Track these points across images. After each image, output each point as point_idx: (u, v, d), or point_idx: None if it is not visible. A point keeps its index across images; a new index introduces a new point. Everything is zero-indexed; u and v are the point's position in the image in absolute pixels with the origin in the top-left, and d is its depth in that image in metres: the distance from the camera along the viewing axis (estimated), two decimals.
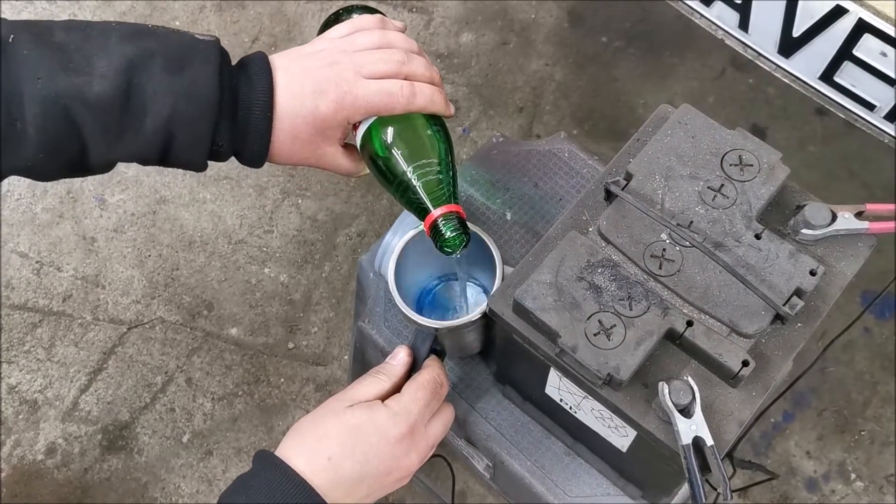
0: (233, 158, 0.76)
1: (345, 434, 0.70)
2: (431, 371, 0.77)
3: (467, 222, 0.77)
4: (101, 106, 0.66)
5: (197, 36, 0.72)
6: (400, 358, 0.78)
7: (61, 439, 1.48)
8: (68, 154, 0.68)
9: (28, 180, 1.69)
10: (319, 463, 0.69)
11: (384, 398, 0.75)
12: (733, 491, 1.16)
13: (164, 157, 0.71)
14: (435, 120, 0.78)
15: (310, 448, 0.70)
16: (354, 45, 0.76)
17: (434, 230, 0.75)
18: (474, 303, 0.93)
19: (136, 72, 0.67)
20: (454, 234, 0.74)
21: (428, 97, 0.76)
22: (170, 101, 0.68)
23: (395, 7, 1.87)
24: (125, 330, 1.57)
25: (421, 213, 0.75)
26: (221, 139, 0.72)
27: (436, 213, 0.74)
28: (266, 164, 0.77)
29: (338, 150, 0.78)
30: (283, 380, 1.54)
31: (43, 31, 0.67)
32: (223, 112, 0.71)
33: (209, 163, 0.75)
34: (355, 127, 0.78)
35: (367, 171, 0.80)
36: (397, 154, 0.75)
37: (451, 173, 0.76)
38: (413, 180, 0.74)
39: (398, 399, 0.73)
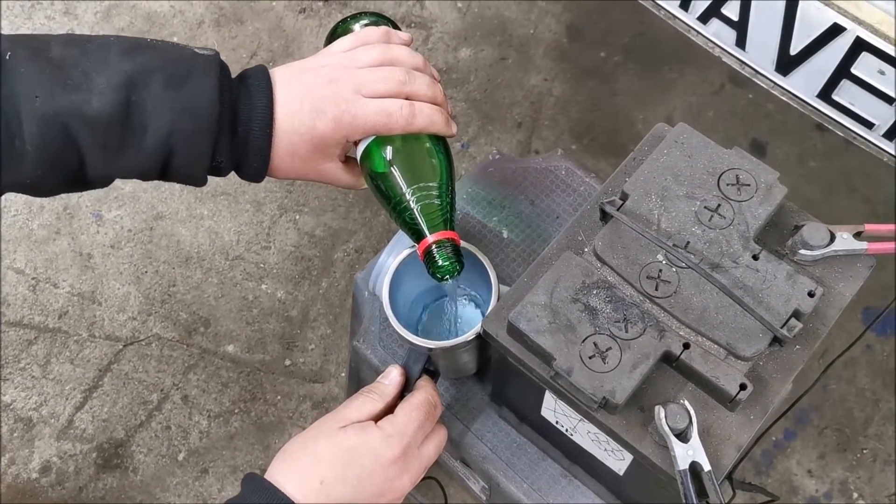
0: (232, 173, 0.75)
1: (337, 457, 0.69)
2: (425, 392, 0.76)
3: (462, 244, 0.76)
4: (101, 123, 0.66)
5: (197, 50, 0.72)
6: (392, 377, 0.77)
7: (56, 457, 1.47)
8: (67, 170, 0.68)
9: (25, 196, 1.68)
10: (311, 487, 0.67)
11: (376, 418, 0.74)
12: None
13: (164, 172, 0.71)
14: (437, 139, 0.77)
15: (301, 471, 0.68)
16: (356, 62, 0.76)
17: (427, 256, 0.74)
18: (469, 323, 0.92)
19: (136, 88, 0.67)
20: (447, 262, 0.73)
21: (428, 118, 0.75)
22: (169, 116, 0.67)
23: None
24: (121, 347, 1.56)
25: (416, 235, 0.74)
26: (221, 155, 0.71)
27: (430, 238, 0.73)
28: (265, 180, 0.76)
29: (338, 165, 0.77)
30: (279, 397, 1.53)
31: (41, 46, 0.67)
32: (223, 128, 0.70)
33: (209, 178, 0.75)
34: (357, 142, 0.77)
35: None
36: (396, 174, 0.74)
37: (449, 197, 0.75)
38: (411, 202, 0.73)
39: (392, 420, 0.72)
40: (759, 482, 1.41)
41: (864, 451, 1.47)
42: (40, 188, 0.69)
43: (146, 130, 0.67)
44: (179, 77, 0.69)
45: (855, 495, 1.45)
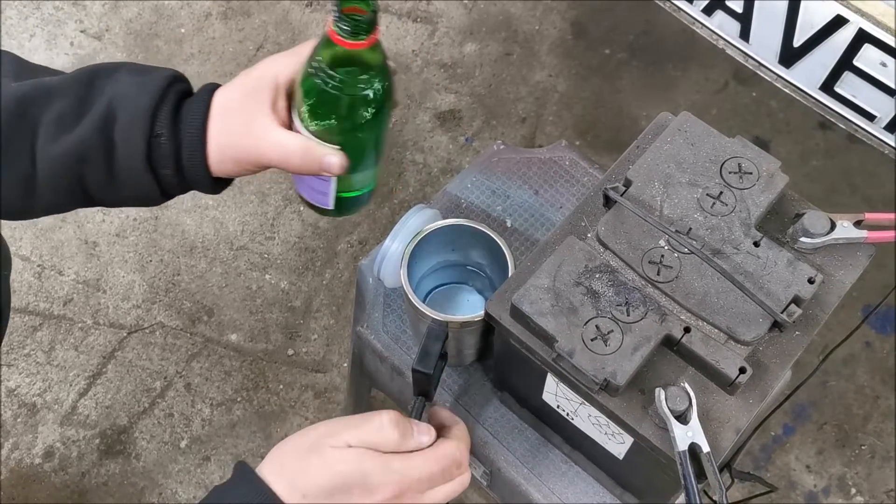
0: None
1: (326, 479, 0.64)
2: (454, 446, 0.70)
3: (478, 226, 0.77)
4: (59, 93, 0.70)
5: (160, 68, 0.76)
6: (420, 440, 0.69)
7: (59, 443, 1.48)
8: (24, 148, 0.70)
9: None
10: (293, 497, 0.64)
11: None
12: None
13: (107, 146, 0.71)
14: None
15: (288, 479, 0.65)
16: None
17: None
18: (472, 307, 0.93)
19: (98, 75, 0.72)
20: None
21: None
22: (120, 88, 0.71)
23: (401, 17, 1.88)
24: (125, 334, 1.57)
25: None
26: (162, 126, 0.71)
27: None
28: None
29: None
30: (282, 386, 1.54)
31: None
32: (166, 98, 0.72)
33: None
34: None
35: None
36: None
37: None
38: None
39: (402, 457, 0.66)
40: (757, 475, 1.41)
41: (863, 448, 1.48)
42: None
43: (97, 100, 0.71)
44: (140, 70, 0.73)
45: (853, 491, 1.45)
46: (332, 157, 0.71)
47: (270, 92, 0.71)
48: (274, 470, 0.65)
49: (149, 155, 0.71)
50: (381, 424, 0.66)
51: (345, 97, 0.69)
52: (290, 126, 0.72)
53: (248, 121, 0.71)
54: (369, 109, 0.70)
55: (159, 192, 0.74)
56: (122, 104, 0.70)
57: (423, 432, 0.69)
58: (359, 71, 0.68)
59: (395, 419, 0.67)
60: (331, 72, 0.68)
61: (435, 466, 0.68)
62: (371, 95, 0.69)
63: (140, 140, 0.71)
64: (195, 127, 0.71)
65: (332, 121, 0.70)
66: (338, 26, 0.65)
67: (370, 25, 0.66)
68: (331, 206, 0.78)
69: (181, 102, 0.73)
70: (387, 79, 0.71)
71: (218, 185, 0.76)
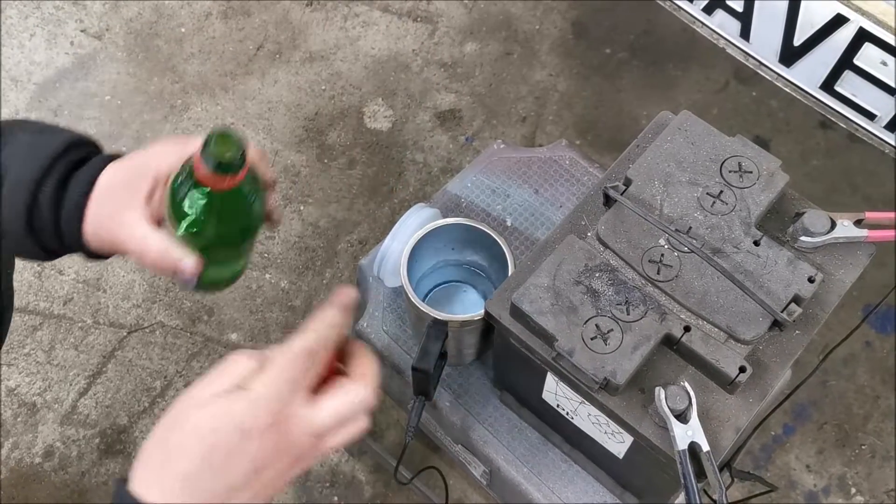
0: None
1: (195, 443, 0.55)
2: (311, 335, 0.59)
3: (478, 226, 0.77)
4: None
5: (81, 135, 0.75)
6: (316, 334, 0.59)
7: (59, 442, 1.48)
8: None
9: None
10: (173, 490, 0.55)
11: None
12: (731, 503, 1.15)
13: None
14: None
15: (158, 474, 0.56)
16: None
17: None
18: (472, 306, 0.93)
19: (2, 131, 0.72)
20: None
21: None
22: (14, 147, 0.71)
23: (401, 17, 1.88)
24: (125, 334, 1.57)
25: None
26: (44, 196, 0.71)
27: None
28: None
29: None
30: None
31: None
32: (53, 170, 0.71)
33: None
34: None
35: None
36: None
37: None
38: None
39: (260, 377, 0.57)
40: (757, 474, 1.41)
41: (863, 447, 1.48)
42: None
43: None
44: (41, 130, 0.73)
45: (853, 491, 1.45)
46: (187, 263, 0.70)
47: (149, 182, 0.71)
48: (144, 474, 0.56)
49: (29, 221, 0.71)
50: (233, 359, 0.58)
51: (208, 218, 0.67)
52: (161, 220, 0.72)
53: (119, 210, 0.71)
54: (231, 227, 0.69)
55: (44, 254, 0.74)
56: (12, 166, 0.70)
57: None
58: (222, 197, 0.66)
59: (244, 352, 0.59)
60: (195, 191, 0.65)
61: (298, 363, 0.57)
62: (233, 216, 0.68)
63: (21, 207, 0.71)
64: (75, 203, 0.71)
65: (194, 230, 0.68)
66: (204, 161, 0.62)
67: (236, 169, 0.63)
68: (194, 288, 0.76)
69: (72, 172, 0.72)
70: (254, 198, 0.69)
71: (100, 256, 0.76)
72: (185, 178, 0.66)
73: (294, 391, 0.57)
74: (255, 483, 0.56)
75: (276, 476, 0.57)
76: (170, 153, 0.72)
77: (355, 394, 0.59)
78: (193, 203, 0.66)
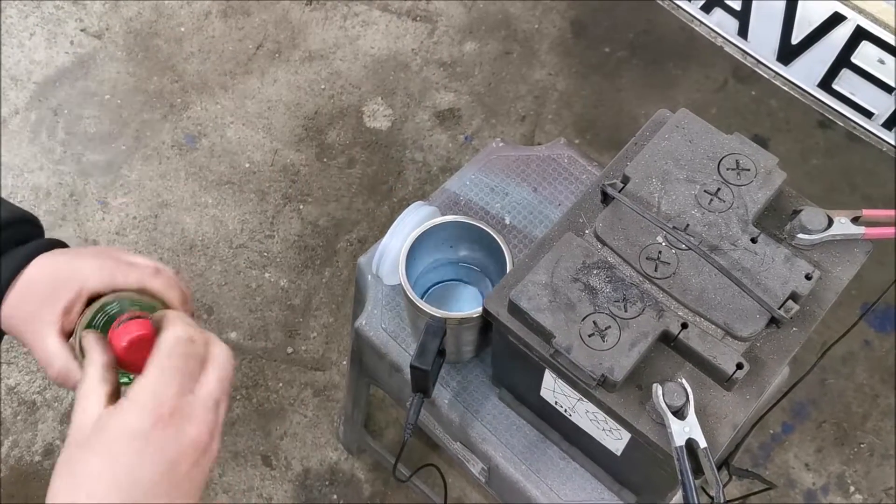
0: None
1: (96, 468, 0.56)
2: (177, 329, 0.60)
3: (476, 223, 0.77)
4: None
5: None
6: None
7: (59, 440, 1.48)
8: None
9: (32, 182, 1.69)
10: None
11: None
12: (730, 501, 1.16)
13: None
14: None
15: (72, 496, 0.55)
16: None
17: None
18: (471, 303, 0.93)
19: None
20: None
21: None
22: None
23: (400, 16, 1.88)
24: None
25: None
26: None
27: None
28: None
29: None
30: (281, 384, 1.54)
31: None
32: None
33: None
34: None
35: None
36: None
37: None
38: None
39: (140, 385, 0.58)
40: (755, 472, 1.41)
41: (862, 446, 1.48)
42: None
43: None
44: None
45: (852, 489, 1.45)
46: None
47: (70, 296, 0.69)
48: None
49: None
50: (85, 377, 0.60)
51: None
52: (73, 331, 0.70)
53: (35, 315, 0.70)
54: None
55: None
56: None
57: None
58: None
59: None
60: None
61: (173, 361, 0.59)
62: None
63: None
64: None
65: None
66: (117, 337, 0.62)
67: (142, 341, 0.62)
68: None
69: (5, 251, 0.71)
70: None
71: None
72: (101, 325, 0.66)
73: (182, 387, 0.58)
74: (171, 478, 0.56)
75: (194, 461, 0.57)
76: (102, 271, 0.70)
77: (171, 331, 0.60)
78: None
